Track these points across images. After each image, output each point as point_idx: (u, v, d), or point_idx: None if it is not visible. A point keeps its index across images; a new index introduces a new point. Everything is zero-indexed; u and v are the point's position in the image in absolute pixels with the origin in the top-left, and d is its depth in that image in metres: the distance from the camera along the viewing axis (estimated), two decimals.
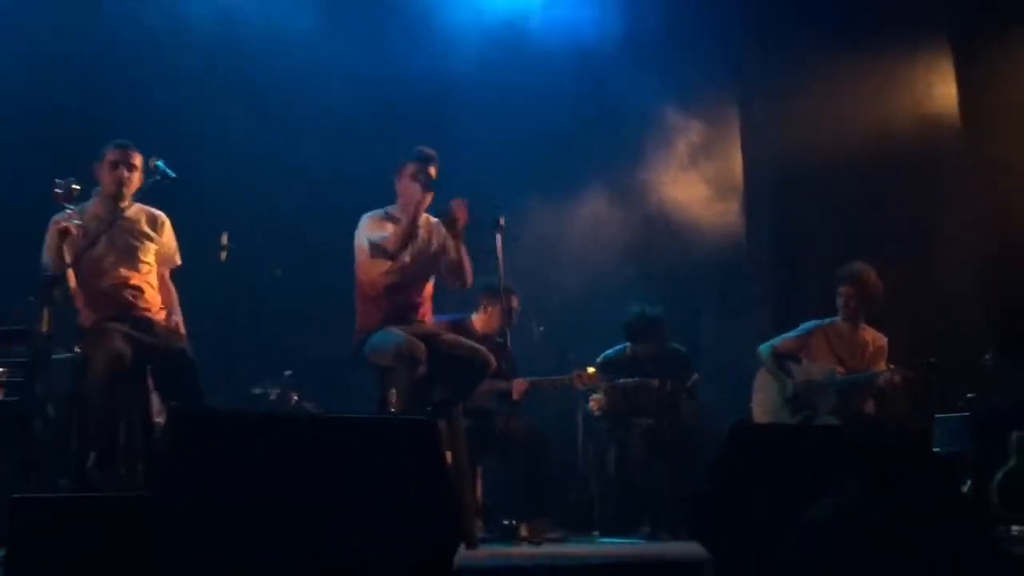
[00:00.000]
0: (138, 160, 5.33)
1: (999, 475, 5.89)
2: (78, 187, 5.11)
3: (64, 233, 5.02)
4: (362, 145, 7.64)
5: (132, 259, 5.33)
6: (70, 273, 5.10)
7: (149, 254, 5.43)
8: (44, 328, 5.01)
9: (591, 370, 6.93)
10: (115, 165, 5.29)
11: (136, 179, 5.34)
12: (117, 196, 5.29)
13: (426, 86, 8.00)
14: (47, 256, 5.18)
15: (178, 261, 5.61)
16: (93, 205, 5.31)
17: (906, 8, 7.89)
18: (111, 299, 5.22)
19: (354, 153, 7.61)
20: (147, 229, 5.44)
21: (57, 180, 5.04)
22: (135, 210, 5.44)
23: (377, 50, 8.03)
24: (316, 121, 7.83)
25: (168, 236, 5.55)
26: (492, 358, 5.63)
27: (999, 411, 6.47)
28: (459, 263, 5.67)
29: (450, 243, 5.62)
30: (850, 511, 1.44)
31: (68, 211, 5.08)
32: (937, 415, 6.76)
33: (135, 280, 5.32)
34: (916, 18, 7.94)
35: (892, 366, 6.51)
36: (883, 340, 6.66)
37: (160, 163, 5.33)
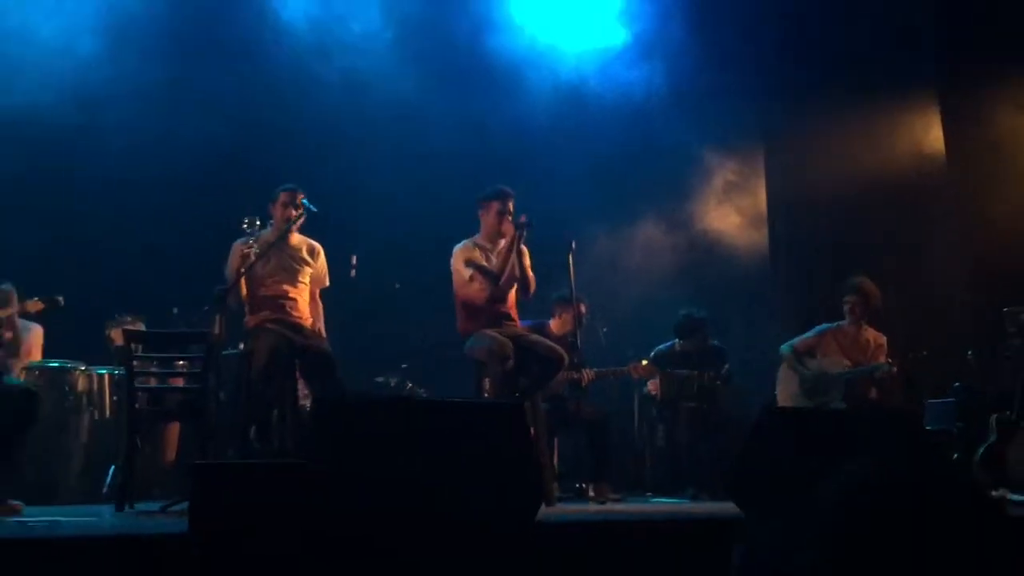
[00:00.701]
0: (301, 199, 5.47)
1: (980, 450, 5.81)
2: (258, 222, 5.31)
3: (244, 256, 5.21)
4: (458, 181, 7.69)
5: (292, 278, 5.47)
6: (243, 284, 5.27)
7: (305, 276, 5.55)
8: (217, 331, 5.13)
9: (644, 363, 6.92)
10: (285, 205, 5.45)
11: (292, 214, 5.47)
12: (286, 228, 5.45)
13: (509, 132, 7.97)
14: (229, 271, 5.34)
15: (327, 283, 5.72)
16: (267, 234, 5.43)
17: (901, 66, 7.82)
18: (272, 306, 5.36)
19: (451, 188, 7.66)
20: (306, 256, 5.58)
21: (246, 218, 5.27)
22: (298, 239, 5.59)
23: (471, 103, 8.06)
24: (421, 163, 7.82)
25: (321, 263, 5.67)
26: (565, 355, 5.67)
27: (980, 397, 6.38)
28: (524, 278, 5.69)
29: (514, 261, 5.63)
30: (861, 478, 1.44)
31: (249, 240, 5.26)
32: (928, 400, 6.68)
33: (292, 294, 5.45)
34: (909, 74, 7.88)
35: (891, 360, 6.45)
36: (883, 339, 6.60)
37: (305, 200, 5.47)
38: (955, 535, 1.35)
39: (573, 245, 5.80)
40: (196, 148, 7.47)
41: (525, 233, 5.59)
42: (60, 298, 5.37)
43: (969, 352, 6.70)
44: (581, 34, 8.48)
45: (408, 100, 7.96)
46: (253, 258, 5.21)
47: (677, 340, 7.18)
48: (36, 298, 5.25)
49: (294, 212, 5.44)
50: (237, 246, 5.37)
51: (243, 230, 5.26)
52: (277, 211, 5.49)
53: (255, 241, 5.26)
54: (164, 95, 7.52)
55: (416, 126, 7.96)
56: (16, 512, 4.98)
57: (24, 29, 7.13)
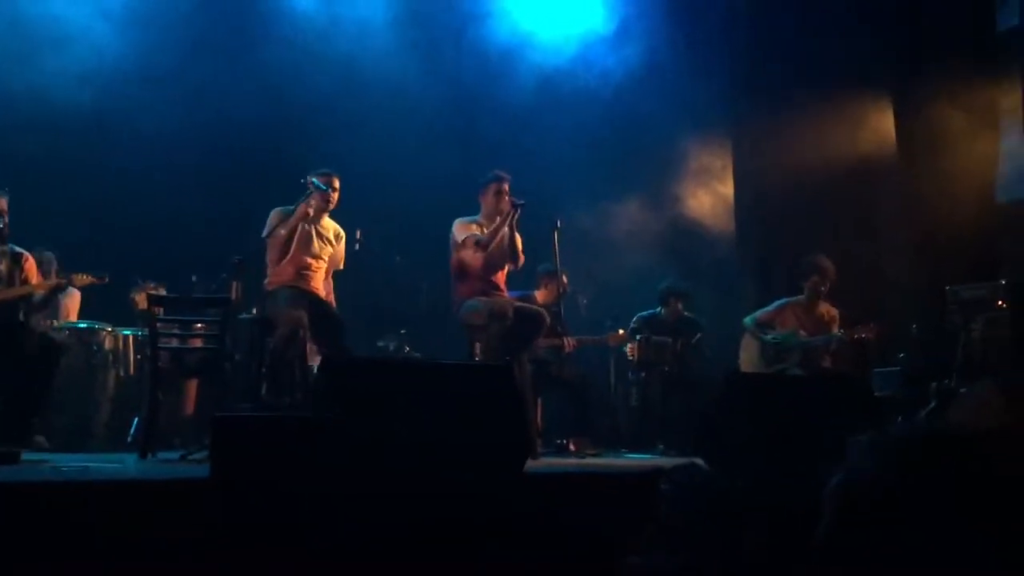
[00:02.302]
0: (337, 183, 5.44)
1: (922, 414, 5.87)
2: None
3: (279, 225, 5.24)
4: (450, 161, 7.69)
5: (315, 254, 5.45)
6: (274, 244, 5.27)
7: (326, 255, 5.53)
8: (233, 296, 5.14)
9: (621, 332, 6.97)
10: (327, 184, 5.41)
11: (335, 197, 5.45)
12: (322, 209, 5.42)
13: (497, 114, 7.96)
14: (267, 231, 5.31)
15: (341, 266, 5.70)
16: (302, 208, 5.37)
17: (856, 64, 7.84)
18: (292, 274, 5.34)
19: (444, 168, 7.66)
20: (331, 238, 5.56)
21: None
22: (328, 222, 5.56)
23: (462, 86, 8.09)
24: (417, 141, 7.81)
25: (341, 248, 5.64)
26: (547, 317, 5.71)
27: (922, 367, 6.44)
28: (515, 248, 5.72)
29: (505, 233, 5.65)
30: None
31: (286, 209, 5.28)
32: (875, 369, 6.74)
33: (313, 267, 5.43)
34: (864, 72, 7.88)
35: (842, 331, 6.51)
36: (835, 312, 6.65)
37: (314, 179, 5.44)
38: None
39: (558, 223, 5.81)
40: (213, 129, 7.47)
41: (518, 212, 5.59)
42: (106, 276, 5.36)
43: (913, 326, 6.75)
44: (563, 20, 8.40)
45: (402, 83, 7.93)
46: (310, 213, 5.22)
47: (660, 308, 7.20)
48: (85, 273, 5.23)
49: (335, 196, 5.41)
50: (276, 212, 5.37)
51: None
52: (321, 192, 5.42)
53: (292, 212, 5.26)
54: (186, 77, 7.47)
55: (411, 107, 7.93)
56: (41, 447, 5.01)
57: (51, 14, 7.06)
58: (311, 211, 5.27)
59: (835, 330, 6.50)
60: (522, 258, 5.79)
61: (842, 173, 7.76)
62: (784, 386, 4.42)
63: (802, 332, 6.51)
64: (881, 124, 7.94)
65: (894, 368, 6.59)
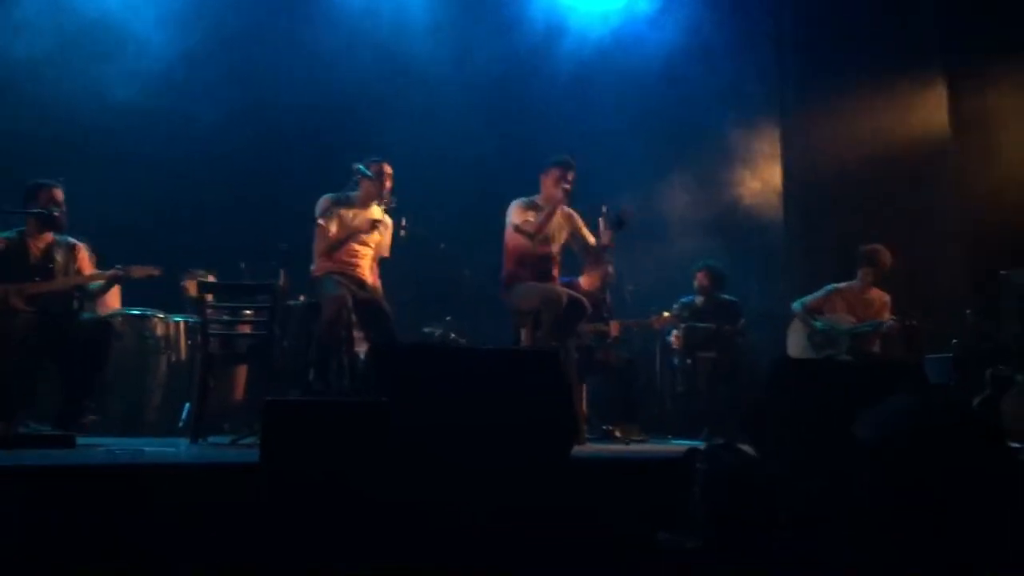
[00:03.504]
0: (389, 169, 5.47)
1: (976, 401, 5.75)
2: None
3: (328, 210, 5.32)
4: (493, 143, 7.66)
5: (360, 241, 5.47)
6: (322, 231, 5.32)
7: (372, 242, 5.55)
8: (282, 283, 5.17)
9: (666, 314, 6.90)
10: (378, 175, 5.44)
11: (388, 184, 5.48)
12: (371, 196, 5.47)
13: (542, 94, 7.97)
14: (317, 213, 5.37)
15: (387, 254, 5.71)
16: (354, 195, 5.46)
17: (908, 45, 7.68)
18: (339, 261, 5.38)
19: (487, 150, 7.63)
20: (379, 227, 5.58)
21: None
22: (376, 211, 5.59)
23: (502, 68, 8.04)
24: (458, 125, 7.78)
25: (387, 236, 5.64)
26: (589, 305, 5.67)
27: (977, 353, 6.31)
28: (586, 247, 5.81)
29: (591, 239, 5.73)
30: (890, 423, 1.42)
31: (336, 195, 5.36)
32: (927, 356, 6.61)
33: (360, 254, 5.46)
34: (918, 53, 7.74)
35: (894, 317, 6.39)
36: (887, 297, 6.54)
37: (360, 166, 5.46)
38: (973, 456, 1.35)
39: (604, 209, 5.76)
40: (259, 118, 7.55)
41: (616, 231, 5.61)
42: (161, 269, 5.44)
43: (967, 311, 6.61)
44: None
45: (443, 66, 7.93)
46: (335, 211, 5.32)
47: (696, 291, 7.14)
48: (142, 266, 5.31)
49: (388, 184, 5.43)
50: (326, 199, 5.41)
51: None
52: (367, 181, 5.46)
53: (343, 200, 5.32)
54: (231, 69, 7.58)
55: (452, 91, 7.94)
56: (93, 424, 5.11)
57: (102, 16, 7.19)
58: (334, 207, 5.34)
59: (886, 316, 6.39)
60: (608, 268, 5.95)
61: (893, 156, 7.64)
62: (833, 372, 4.34)
63: (852, 318, 6.41)
64: (933, 106, 7.80)
65: (947, 355, 6.46)
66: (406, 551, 3.01)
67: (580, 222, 5.81)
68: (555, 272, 5.75)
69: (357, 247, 5.43)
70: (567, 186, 5.57)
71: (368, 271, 5.52)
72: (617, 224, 5.56)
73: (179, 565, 2.89)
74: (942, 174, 7.66)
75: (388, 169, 5.51)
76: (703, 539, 3.02)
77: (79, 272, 5.28)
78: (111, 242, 6.20)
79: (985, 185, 7.34)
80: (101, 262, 5.71)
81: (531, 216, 5.62)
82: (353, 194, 5.44)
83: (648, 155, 7.99)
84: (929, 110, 7.80)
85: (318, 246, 5.37)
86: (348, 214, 5.43)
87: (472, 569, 3.02)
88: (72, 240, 5.36)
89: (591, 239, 5.78)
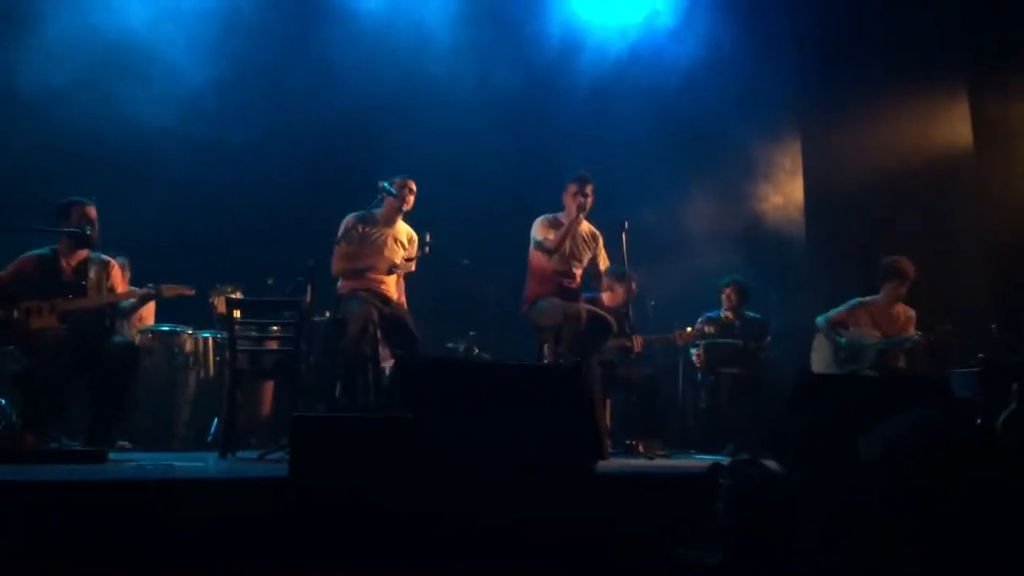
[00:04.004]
0: (413, 186, 5.56)
1: (1003, 416, 5.69)
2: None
3: (352, 228, 5.43)
4: (514, 158, 7.71)
5: (385, 257, 5.54)
6: (340, 252, 5.39)
7: (398, 258, 5.62)
8: (308, 299, 5.22)
9: (689, 330, 6.91)
10: (400, 190, 5.52)
11: (411, 201, 5.55)
12: (396, 211, 5.54)
13: (562, 109, 8.01)
14: (342, 241, 5.46)
15: (413, 269, 5.78)
16: (378, 212, 5.54)
17: (931, 55, 7.64)
18: (363, 278, 5.45)
19: (508, 165, 7.67)
20: (404, 241, 5.66)
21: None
22: (401, 225, 5.66)
23: (522, 83, 8.09)
24: (480, 142, 7.84)
25: (414, 251, 5.73)
26: (613, 322, 5.69)
27: (1003, 367, 6.25)
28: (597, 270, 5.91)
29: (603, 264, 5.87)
30: (897, 437, 1.44)
31: (363, 213, 5.45)
32: (953, 370, 6.56)
33: (383, 270, 5.53)
34: (938, 64, 7.68)
35: (919, 332, 6.36)
36: (912, 312, 6.51)
37: (385, 184, 5.53)
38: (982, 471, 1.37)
39: (625, 224, 5.79)
40: (285, 136, 7.67)
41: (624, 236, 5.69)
42: (193, 289, 5.51)
43: (993, 325, 6.56)
44: (622, 10, 8.42)
45: (463, 83, 7.99)
46: (360, 228, 5.42)
47: (722, 310, 7.14)
48: (174, 285, 5.39)
49: (409, 198, 5.50)
50: (351, 218, 5.46)
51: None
52: (391, 197, 5.52)
53: (367, 217, 5.39)
54: (257, 89, 7.72)
55: (472, 107, 7.98)
56: (125, 450, 5.17)
57: (131, 40, 7.34)
58: (359, 226, 5.43)
59: (911, 331, 6.36)
60: (631, 284, 5.99)
61: (915, 168, 7.60)
62: (859, 387, 4.33)
63: (877, 332, 6.38)
64: (956, 118, 7.74)
65: (973, 369, 6.40)
66: (431, 564, 3.03)
67: (601, 245, 5.87)
68: (576, 288, 5.78)
69: (382, 264, 5.48)
70: (584, 199, 5.62)
71: (393, 287, 5.57)
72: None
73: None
74: (965, 186, 7.62)
75: (412, 186, 5.59)
76: (724, 554, 3.03)
77: (112, 290, 5.36)
78: (141, 260, 6.32)
79: (1009, 197, 7.30)
80: (134, 278, 5.80)
81: (552, 233, 5.68)
82: (376, 211, 5.50)
83: (669, 169, 7.99)
84: (952, 121, 7.75)
85: (337, 265, 5.42)
86: (372, 232, 5.49)
87: None
88: (105, 257, 5.44)
89: (603, 263, 5.82)
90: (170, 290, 5.33)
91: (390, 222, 5.54)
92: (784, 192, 8.32)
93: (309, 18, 8.07)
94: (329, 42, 7.96)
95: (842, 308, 6.57)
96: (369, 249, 5.49)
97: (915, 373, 6.36)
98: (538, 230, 5.73)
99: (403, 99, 7.91)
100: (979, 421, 5.50)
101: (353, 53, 7.87)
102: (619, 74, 8.21)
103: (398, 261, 5.59)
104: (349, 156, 7.52)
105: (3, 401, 5.49)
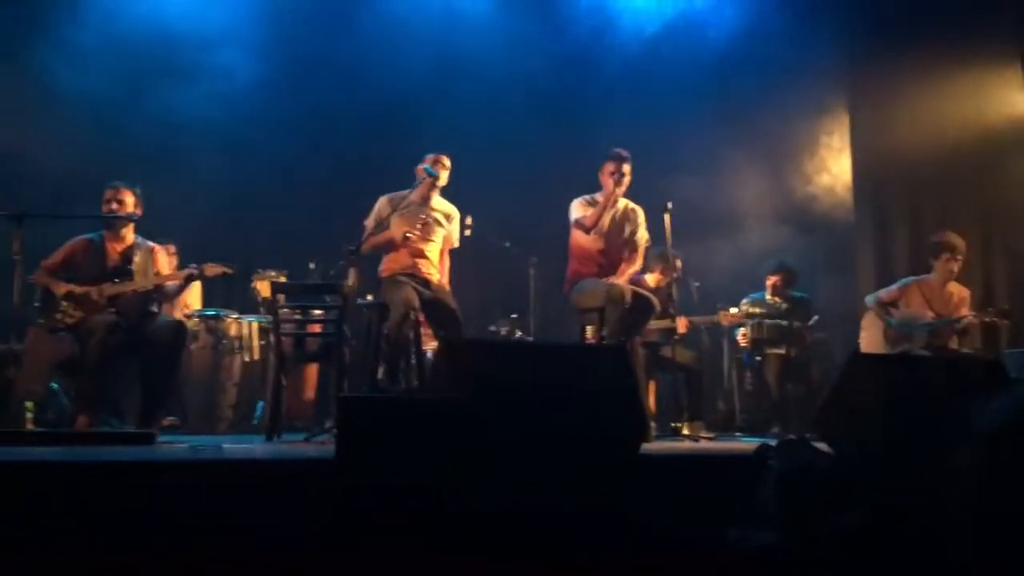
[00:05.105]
0: (447, 162, 5.54)
1: None
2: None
3: (385, 208, 5.42)
4: (555, 138, 7.69)
5: (426, 236, 5.53)
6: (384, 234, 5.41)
7: (439, 235, 5.60)
8: (351, 282, 5.23)
9: (733, 310, 6.86)
10: (434, 164, 5.51)
11: (445, 178, 5.55)
12: (431, 188, 5.52)
13: (601, 86, 8.01)
14: (372, 220, 5.46)
15: (456, 244, 5.76)
16: (413, 193, 5.50)
17: (984, 28, 7.45)
18: (406, 260, 5.46)
19: (549, 145, 7.66)
20: (441, 219, 5.63)
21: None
22: (438, 202, 5.65)
23: (561, 60, 8.08)
24: (519, 121, 7.85)
25: (454, 226, 5.71)
26: (657, 304, 5.64)
27: None
28: (632, 243, 5.78)
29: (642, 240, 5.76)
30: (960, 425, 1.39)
31: (393, 196, 5.45)
32: (1007, 350, 6.45)
33: (426, 251, 5.51)
34: (990, 37, 7.49)
35: (973, 312, 6.25)
36: (965, 292, 6.39)
37: (427, 167, 5.53)
38: None
39: (669, 205, 5.74)
40: (325, 120, 7.71)
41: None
42: (234, 267, 5.57)
43: None
44: None
45: (501, 61, 7.96)
46: (392, 208, 5.38)
47: (768, 290, 7.07)
48: (213, 264, 5.45)
49: (444, 175, 5.51)
50: (384, 200, 5.49)
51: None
52: (422, 172, 5.50)
53: (400, 198, 5.39)
54: (297, 74, 7.78)
55: (511, 87, 7.99)
56: (174, 425, 5.27)
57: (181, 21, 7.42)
58: (392, 205, 5.40)
59: (965, 311, 6.24)
60: (638, 259, 5.78)
61: (967, 144, 7.44)
62: (911, 367, 4.25)
63: (930, 312, 6.27)
64: (1009, 92, 7.56)
65: None
66: (477, 546, 3.05)
67: (641, 219, 5.79)
68: (618, 268, 5.74)
69: (421, 244, 5.49)
70: (620, 177, 5.58)
71: (434, 267, 5.57)
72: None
73: (261, 556, 2.98)
74: (1019, 164, 7.44)
75: (446, 161, 5.57)
76: (775, 536, 3.00)
77: (157, 274, 5.45)
78: (187, 246, 6.41)
79: None
80: (182, 264, 5.89)
81: (590, 211, 5.65)
82: (409, 192, 5.50)
83: (712, 147, 7.89)
84: (1006, 94, 7.57)
85: (371, 241, 5.42)
86: (405, 212, 5.47)
87: (541, 565, 3.05)
88: (151, 244, 5.53)
89: (644, 239, 5.76)
90: (212, 269, 5.40)
91: (426, 200, 5.54)
92: (831, 170, 8.19)
93: (342, 4, 8.10)
94: (364, 27, 7.99)
95: (893, 287, 6.47)
96: (399, 227, 5.47)
97: (968, 353, 6.25)
98: (576, 209, 5.71)
99: (444, 80, 7.91)
100: None
101: (387, 38, 7.89)
102: (657, 49, 8.14)
103: (438, 240, 5.57)
104: (388, 138, 7.54)
105: (55, 385, 5.61)
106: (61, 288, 5.17)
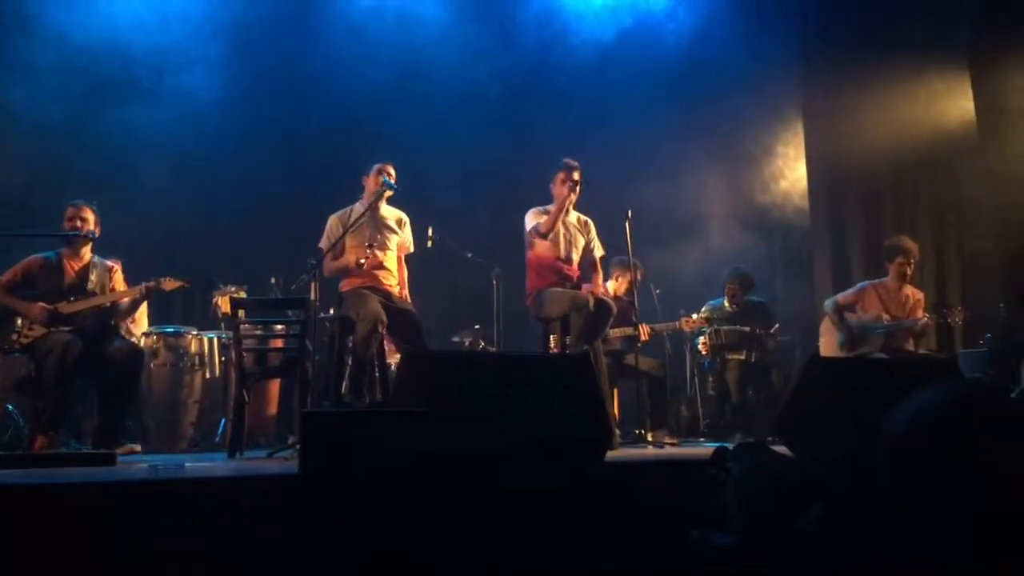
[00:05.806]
0: (392, 171, 5.53)
1: (1015, 394, 5.71)
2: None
3: (337, 226, 5.40)
4: (512, 150, 7.72)
5: (381, 249, 5.51)
6: (339, 262, 5.40)
7: (393, 243, 5.60)
8: (313, 297, 5.23)
9: (695, 316, 6.93)
10: (378, 174, 5.51)
11: (378, 180, 5.52)
12: (378, 198, 5.51)
13: (559, 99, 8.07)
14: (325, 241, 5.45)
15: (411, 249, 5.76)
16: (359, 205, 5.51)
17: (935, 36, 7.61)
18: (365, 273, 5.43)
19: (507, 157, 7.69)
20: (394, 225, 5.62)
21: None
22: (387, 210, 5.65)
23: (519, 72, 8.14)
24: (478, 134, 7.89)
25: (407, 231, 5.71)
26: (613, 304, 5.65)
27: (1011, 347, 6.27)
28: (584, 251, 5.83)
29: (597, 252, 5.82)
30: (917, 417, 1.45)
31: (342, 213, 5.43)
32: (961, 351, 6.58)
33: (383, 261, 5.51)
34: (943, 44, 7.64)
35: (928, 314, 6.38)
36: (920, 294, 6.52)
37: (384, 178, 5.53)
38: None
39: (629, 213, 5.81)
40: (284, 135, 7.69)
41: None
42: (190, 280, 5.54)
43: (1000, 305, 6.57)
44: None
45: (459, 74, 8.02)
46: (345, 223, 5.35)
47: (725, 298, 7.16)
48: (171, 278, 5.40)
49: (382, 184, 5.51)
50: (333, 219, 5.48)
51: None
52: (370, 183, 5.52)
53: (349, 213, 5.38)
54: (255, 89, 7.74)
55: (470, 99, 8.03)
56: (135, 452, 5.22)
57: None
58: (343, 221, 5.40)
59: (920, 313, 6.37)
60: (600, 270, 5.88)
61: (919, 149, 7.59)
62: (868, 369, 4.33)
63: (885, 316, 6.39)
64: (959, 97, 7.71)
65: (981, 350, 6.43)
66: (443, 554, 3.06)
67: (593, 232, 5.86)
68: (575, 276, 5.78)
69: (379, 254, 5.48)
70: (574, 184, 5.64)
71: (394, 276, 5.57)
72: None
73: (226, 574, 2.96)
74: (971, 167, 7.61)
75: (391, 170, 5.56)
76: (735, 537, 3.05)
77: (113, 290, 5.40)
78: (145, 263, 6.34)
79: (1014, 176, 7.28)
80: (133, 281, 5.83)
81: (543, 218, 5.70)
82: (355, 206, 5.50)
83: (670, 155, 7.99)
84: (956, 101, 7.73)
85: (329, 266, 5.42)
86: (355, 227, 5.46)
87: (506, 570, 3.07)
88: (109, 262, 5.49)
89: (599, 251, 5.83)
90: (169, 283, 5.37)
91: (374, 211, 5.53)
92: (787, 175, 8.33)
93: (298, 17, 8.09)
94: (321, 42, 8.00)
95: (850, 291, 6.59)
96: (352, 243, 5.47)
97: (924, 355, 6.37)
98: (531, 219, 5.76)
99: (401, 95, 7.93)
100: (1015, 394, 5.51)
101: (344, 50, 7.92)
102: (614, 57, 8.21)
103: (393, 248, 5.57)
104: (347, 150, 7.53)
105: (11, 407, 5.52)
106: (27, 305, 5.11)
